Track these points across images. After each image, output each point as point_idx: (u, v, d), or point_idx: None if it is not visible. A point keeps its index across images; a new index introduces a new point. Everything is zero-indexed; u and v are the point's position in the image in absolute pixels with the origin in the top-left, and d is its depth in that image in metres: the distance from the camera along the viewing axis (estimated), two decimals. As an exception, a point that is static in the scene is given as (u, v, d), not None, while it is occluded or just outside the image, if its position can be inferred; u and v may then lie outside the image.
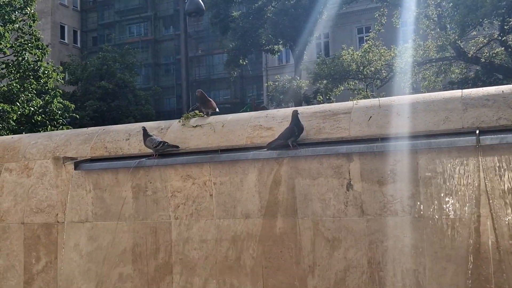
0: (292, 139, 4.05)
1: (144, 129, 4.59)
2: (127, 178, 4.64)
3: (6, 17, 17.83)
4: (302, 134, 4.11)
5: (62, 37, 42.57)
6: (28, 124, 18.39)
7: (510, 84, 5.83)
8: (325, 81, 22.40)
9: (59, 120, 19.28)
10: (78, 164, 4.82)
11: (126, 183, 4.63)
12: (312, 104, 12.99)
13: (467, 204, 3.56)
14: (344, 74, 21.80)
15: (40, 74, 18.43)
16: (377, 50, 20.96)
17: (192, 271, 4.28)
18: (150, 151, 4.60)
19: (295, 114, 4.12)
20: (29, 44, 18.34)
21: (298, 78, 25.47)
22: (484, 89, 3.92)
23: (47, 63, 19.30)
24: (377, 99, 4.28)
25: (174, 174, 4.47)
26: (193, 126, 4.67)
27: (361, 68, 21.43)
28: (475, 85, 18.79)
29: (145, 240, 4.49)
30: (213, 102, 4.94)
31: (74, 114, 21.22)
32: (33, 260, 4.87)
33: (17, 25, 18.26)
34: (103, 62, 32.90)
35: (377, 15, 21.05)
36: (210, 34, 39.35)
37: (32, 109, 17.92)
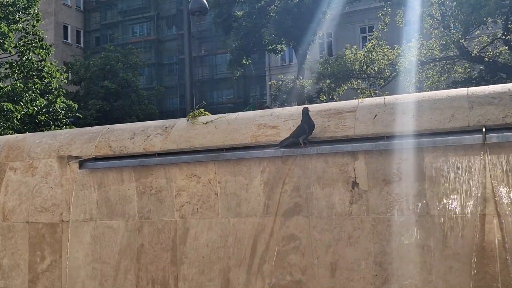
0: (303, 136, 4.03)
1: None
2: (132, 177, 4.63)
3: (10, 17, 17.86)
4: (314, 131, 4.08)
5: (65, 37, 42.64)
6: (32, 124, 18.44)
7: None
8: (328, 81, 22.37)
9: (62, 120, 19.32)
10: (82, 163, 4.82)
11: (130, 182, 4.63)
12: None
13: (473, 203, 3.55)
14: (347, 74, 21.77)
15: (44, 74, 18.47)
16: (380, 50, 20.92)
17: (197, 270, 4.28)
18: (154, 149, 4.61)
19: (305, 112, 4.09)
20: (33, 44, 18.39)
21: (301, 77, 25.43)
22: (490, 87, 3.91)
23: (51, 63, 19.32)
24: (382, 97, 4.26)
25: (179, 173, 4.46)
26: (198, 125, 4.66)
27: (365, 67, 21.40)
28: (478, 84, 18.73)
29: (150, 239, 4.48)
30: None
31: (77, 114, 21.25)
32: (38, 259, 4.87)
33: (20, 25, 18.31)
34: (106, 62, 32.95)
35: (380, 14, 20.99)
36: (213, 34, 39.38)
37: (35, 108, 17.95)
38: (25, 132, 15.24)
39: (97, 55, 36.59)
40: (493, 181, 3.51)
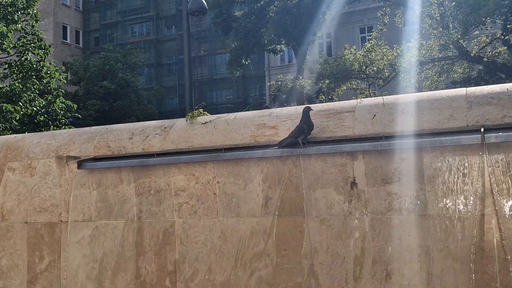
0: (302, 137, 4.02)
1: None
2: (131, 177, 4.63)
3: (9, 17, 17.88)
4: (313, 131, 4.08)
5: (65, 37, 42.67)
6: (31, 124, 18.41)
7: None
8: (327, 81, 22.37)
9: (61, 120, 19.31)
10: (81, 163, 4.81)
11: (129, 182, 4.62)
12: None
13: (472, 203, 3.55)
14: (346, 74, 21.76)
15: (43, 74, 18.47)
16: (379, 50, 20.92)
17: (196, 270, 4.27)
18: (153, 150, 4.61)
19: (305, 112, 4.08)
20: (32, 44, 18.40)
21: (301, 78, 25.44)
22: (489, 87, 3.91)
23: (50, 63, 19.32)
24: (381, 97, 4.26)
25: (178, 173, 4.46)
26: (197, 125, 4.66)
27: (364, 67, 21.40)
28: (477, 84, 18.74)
29: (149, 240, 4.48)
30: None
31: (76, 114, 21.25)
32: (37, 259, 4.86)
33: (19, 25, 18.32)
34: (105, 62, 32.98)
35: (379, 14, 21.00)
36: (213, 34, 39.40)
37: (34, 109, 17.94)
38: (24, 133, 15.23)
39: (96, 55, 36.62)
40: (491, 181, 3.51)
